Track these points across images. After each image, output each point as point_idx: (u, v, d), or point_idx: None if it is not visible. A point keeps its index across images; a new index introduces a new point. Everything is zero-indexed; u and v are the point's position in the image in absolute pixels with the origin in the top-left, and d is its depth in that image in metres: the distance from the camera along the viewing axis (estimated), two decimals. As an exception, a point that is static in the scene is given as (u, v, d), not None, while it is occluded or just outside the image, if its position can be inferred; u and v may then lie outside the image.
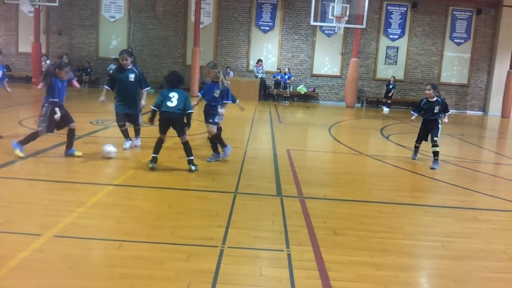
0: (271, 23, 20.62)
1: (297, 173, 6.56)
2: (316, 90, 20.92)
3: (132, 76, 7.38)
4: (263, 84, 19.90)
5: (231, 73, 19.86)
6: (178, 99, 6.19)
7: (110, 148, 6.86)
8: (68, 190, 5.12)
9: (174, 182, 5.71)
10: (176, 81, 6.37)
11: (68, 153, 6.74)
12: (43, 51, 20.08)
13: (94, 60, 20.72)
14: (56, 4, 17.19)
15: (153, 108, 6.31)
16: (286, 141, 9.62)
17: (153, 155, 6.38)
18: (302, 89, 20.35)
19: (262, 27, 20.67)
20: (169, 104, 6.17)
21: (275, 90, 20.01)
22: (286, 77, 19.51)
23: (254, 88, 19.25)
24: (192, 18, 19.76)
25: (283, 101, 19.76)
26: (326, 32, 20.57)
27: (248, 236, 4.04)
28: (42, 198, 4.80)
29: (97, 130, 9.15)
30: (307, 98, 20.91)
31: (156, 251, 3.62)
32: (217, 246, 3.76)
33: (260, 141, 9.60)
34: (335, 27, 17.99)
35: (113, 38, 20.86)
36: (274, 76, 19.90)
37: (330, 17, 17.46)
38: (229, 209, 4.73)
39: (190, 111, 6.28)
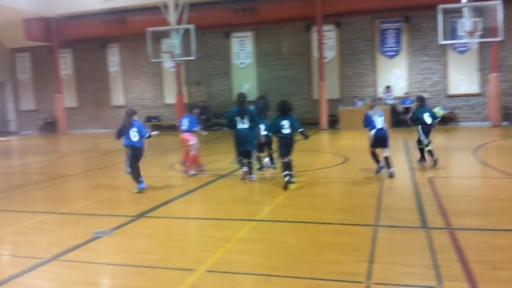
0: (396, 48, 20.04)
1: (443, 203, 6.12)
2: (455, 112, 19.50)
3: None
4: (393, 110, 19.20)
5: (359, 103, 19.58)
6: (289, 126, 7.46)
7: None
8: (216, 227, 5.49)
9: (312, 216, 5.75)
10: (286, 108, 7.63)
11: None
12: (185, 101, 22.21)
13: (229, 105, 22.20)
14: (193, 58, 19.01)
15: (266, 134, 8.16)
16: (426, 168, 9.08)
17: (288, 172, 7.33)
18: (438, 111, 19.04)
19: (387, 53, 20.18)
20: (284, 131, 7.45)
21: (407, 116, 19.12)
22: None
23: (385, 116, 18.63)
24: (316, 55, 20.17)
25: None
26: (459, 49, 19.26)
27: (395, 272, 3.87)
28: (193, 235, 5.22)
29: (237, 169, 9.68)
30: (445, 121, 19.52)
31: (301, 286, 3.67)
32: (362, 282, 3.67)
33: (396, 170, 9.19)
34: (467, 43, 16.78)
35: (244, 82, 22.21)
36: (403, 102, 19.05)
37: (460, 33, 16.37)
38: (370, 243, 4.59)
39: (301, 129, 7.59)
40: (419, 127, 9.06)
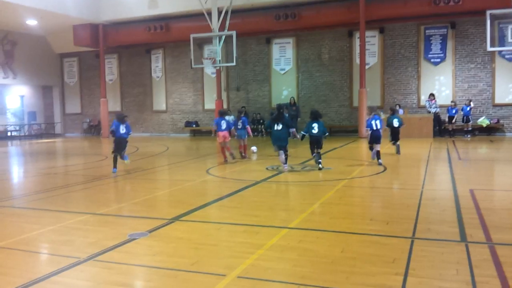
0: (441, 55, 19.50)
1: (484, 216, 5.87)
2: (501, 121, 18.73)
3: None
4: (437, 119, 18.65)
5: (401, 111, 19.15)
6: (318, 127, 10.14)
7: (254, 148, 13.31)
8: (249, 233, 5.49)
9: (346, 226, 5.65)
10: (317, 115, 10.36)
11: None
12: (225, 106, 22.46)
13: (267, 111, 22.30)
14: (234, 64, 19.21)
15: (303, 133, 10.36)
16: (469, 180, 8.75)
17: (319, 160, 10.18)
18: (484, 121, 18.44)
19: (432, 60, 19.67)
20: (313, 131, 10.14)
21: (450, 125, 18.53)
22: (468, 109, 17.95)
23: (427, 125, 18.16)
24: (357, 61, 19.91)
25: (465, 135, 18.15)
26: (507, 56, 18.51)
27: (430, 286, 3.73)
28: (226, 240, 5.24)
29: (272, 176, 9.70)
30: (491, 131, 18.82)
31: (332, 296, 3.60)
32: (395, 295, 3.56)
33: (437, 181, 8.94)
34: (517, 50, 16.14)
35: (283, 88, 22.23)
36: (449, 111, 18.44)
37: (510, 40, 15.77)
38: (406, 256, 4.46)
39: (327, 133, 10.42)
40: (390, 129, 12.54)
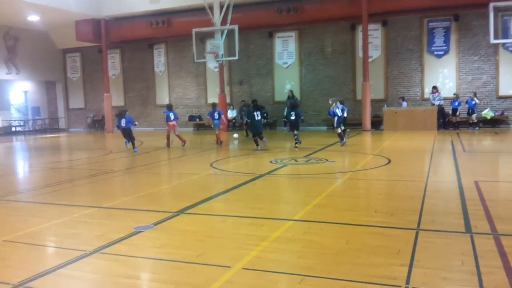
0: (445, 47, 19.40)
1: (489, 207, 5.86)
2: (505, 113, 18.65)
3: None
4: (441, 111, 18.58)
5: (405, 103, 19.10)
6: (295, 114, 13.16)
7: (235, 135, 16.62)
8: (254, 225, 5.51)
9: (351, 218, 5.66)
10: (294, 105, 13.76)
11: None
12: (228, 100, 22.43)
13: (271, 105, 22.25)
14: (237, 58, 19.17)
15: (284, 119, 14.97)
16: (473, 172, 8.73)
17: (297, 139, 13.19)
18: (488, 113, 18.37)
19: (435, 52, 19.57)
20: (291, 117, 13.24)
21: (454, 118, 18.46)
22: (473, 102, 17.85)
23: (431, 117, 18.11)
24: (360, 54, 19.84)
25: (470, 128, 18.08)
26: (511, 49, 18.40)
27: (434, 277, 3.74)
28: (231, 232, 5.26)
29: (276, 169, 9.71)
30: (495, 123, 18.75)
31: (337, 287, 3.62)
32: (400, 286, 3.57)
33: (442, 173, 8.92)
34: (521, 42, 16.05)
35: (286, 82, 22.18)
36: (452, 104, 18.37)
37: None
38: (411, 247, 4.46)
39: (301, 117, 13.57)
40: (336, 118, 13.70)
